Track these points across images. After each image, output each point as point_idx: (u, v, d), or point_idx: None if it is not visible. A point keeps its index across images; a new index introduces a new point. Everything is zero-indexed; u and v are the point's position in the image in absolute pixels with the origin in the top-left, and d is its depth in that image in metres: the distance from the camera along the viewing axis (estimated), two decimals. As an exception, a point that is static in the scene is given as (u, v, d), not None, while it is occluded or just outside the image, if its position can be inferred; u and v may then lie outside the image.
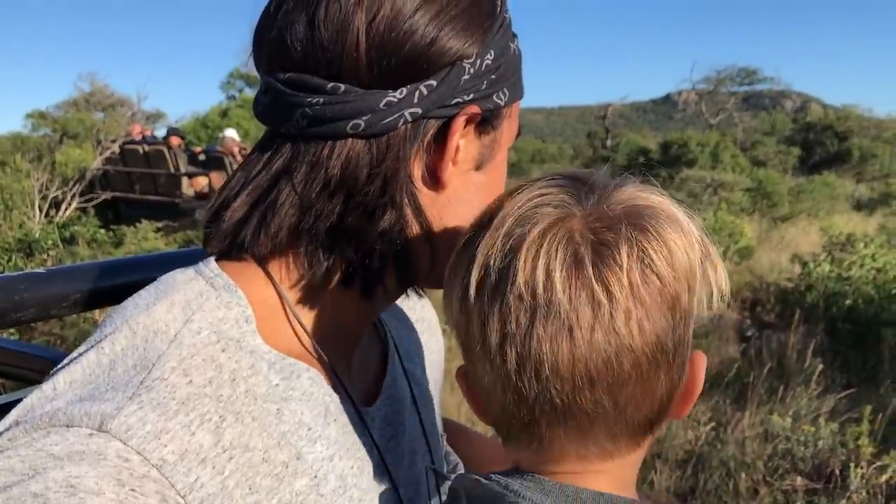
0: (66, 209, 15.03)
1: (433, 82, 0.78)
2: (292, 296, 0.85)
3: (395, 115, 0.78)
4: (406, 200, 0.82)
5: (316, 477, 0.79)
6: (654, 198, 0.71)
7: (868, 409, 4.60)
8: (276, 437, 0.77)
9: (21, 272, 1.05)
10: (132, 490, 0.65)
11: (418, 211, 0.83)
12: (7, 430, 0.69)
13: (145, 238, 11.23)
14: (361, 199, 0.80)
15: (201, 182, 14.38)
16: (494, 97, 0.82)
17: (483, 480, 0.74)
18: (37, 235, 9.95)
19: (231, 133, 16.15)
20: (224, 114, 25.79)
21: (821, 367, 5.72)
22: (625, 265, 0.64)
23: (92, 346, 0.77)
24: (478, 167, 0.85)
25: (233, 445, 0.73)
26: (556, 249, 0.65)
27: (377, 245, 0.81)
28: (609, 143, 38.11)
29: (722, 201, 15.21)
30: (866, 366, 6.60)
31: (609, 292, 0.64)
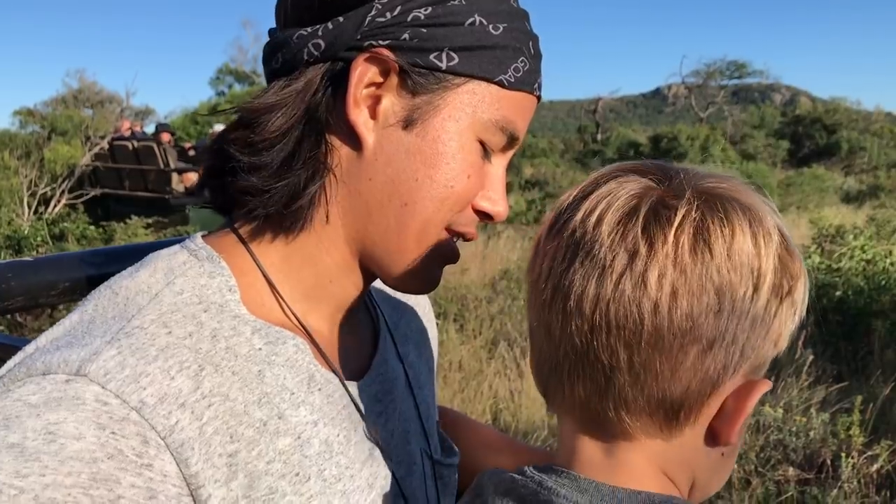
0: (55, 206, 14.95)
1: (340, 18, 0.80)
2: (273, 269, 0.85)
3: (301, 48, 0.81)
4: (323, 150, 0.82)
5: (300, 438, 0.79)
6: (750, 195, 0.69)
7: (859, 399, 4.62)
8: (256, 395, 0.77)
9: (8, 260, 1.04)
10: (113, 433, 0.65)
11: (338, 166, 0.83)
12: None
13: (135, 234, 11.17)
14: (283, 145, 0.81)
15: (191, 178, 14.31)
16: (432, 56, 0.80)
17: (516, 476, 0.73)
18: (25, 232, 9.90)
19: (220, 128, 16.06)
20: (213, 109, 25.69)
21: (811, 358, 5.74)
22: (675, 226, 0.63)
23: (76, 310, 0.78)
24: (406, 126, 0.82)
25: (212, 393, 0.73)
26: (619, 198, 0.66)
27: (285, 200, 0.82)
28: (599, 137, 38.18)
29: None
30: (857, 356, 6.63)
31: (651, 245, 0.63)
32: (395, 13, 0.79)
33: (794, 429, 4.62)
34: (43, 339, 0.74)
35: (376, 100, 0.82)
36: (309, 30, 0.81)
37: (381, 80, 0.81)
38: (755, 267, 0.64)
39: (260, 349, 0.79)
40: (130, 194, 15.40)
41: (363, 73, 0.80)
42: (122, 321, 0.74)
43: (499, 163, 0.89)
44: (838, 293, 7.53)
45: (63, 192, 15.35)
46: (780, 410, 4.85)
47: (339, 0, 0.81)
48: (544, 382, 0.73)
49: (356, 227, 0.84)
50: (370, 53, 0.80)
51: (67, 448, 0.63)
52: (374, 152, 0.82)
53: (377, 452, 0.89)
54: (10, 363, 0.72)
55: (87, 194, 15.70)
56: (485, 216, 0.89)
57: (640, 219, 0.64)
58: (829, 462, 4.35)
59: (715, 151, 24.77)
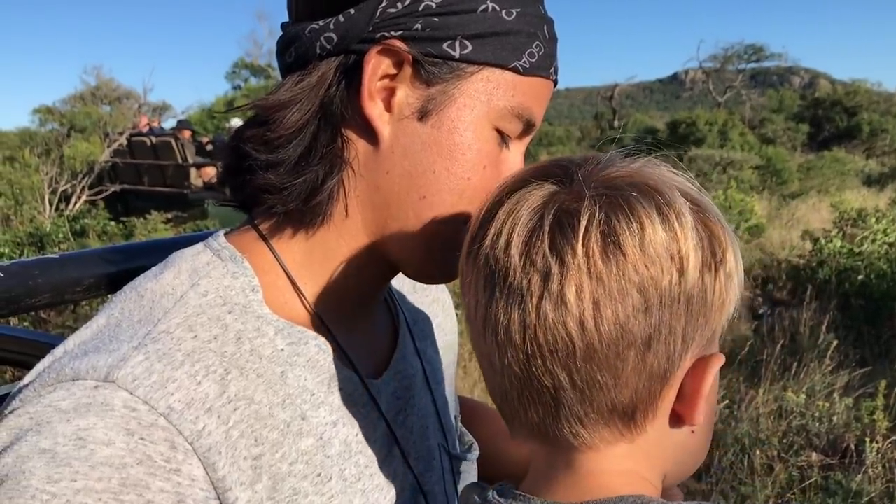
0: (75, 202, 15.09)
1: (352, 10, 0.79)
2: (295, 265, 0.85)
3: (313, 42, 0.80)
4: (339, 145, 0.82)
5: (321, 438, 0.80)
6: (653, 174, 0.66)
7: (883, 383, 4.59)
8: (280, 397, 0.78)
9: (34, 258, 1.05)
10: (141, 439, 0.66)
11: (356, 159, 0.82)
12: (20, 392, 0.70)
13: (155, 229, 11.27)
14: (299, 141, 0.81)
15: (209, 172, 14.39)
16: (445, 45, 0.79)
17: (476, 499, 0.74)
18: (47, 229, 10.00)
19: (237, 122, 16.14)
20: (230, 104, 25.79)
21: (834, 342, 5.70)
22: (581, 235, 0.61)
23: (102, 312, 0.79)
24: (421, 117, 0.81)
25: (237, 397, 0.74)
26: (522, 216, 0.65)
27: (304, 196, 0.81)
28: (616, 123, 37.94)
29: (731, 179, 15.14)
30: (880, 341, 6.57)
31: (562, 261, 0.61)
32: (407, 3, 0.79)
33: (816, 414, 4.60)
34: (71, 343, 0.75)
35: (391, 92, 0.81)
36: (321, 23, 0.80)
37: (394, 71, 0.80)
38: (674, 252, 0.62)
39: (282, 350, 0.80)
40: (149, 190, 15.53)
41: (376, 66, 0.80)
42: (149, 325, 0.75)
43: (516, 150, 0.87)
44: (860, 277, 7.47)
45: (83, 188, 15.49)
46: (803, 396, 4.82)
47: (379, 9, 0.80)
48: (500, 411, 0.73)
49: (376, 220, 0.84)
50: (383, 45, 0.79)
51: (97, 454, 0.64)
52: (390, 145, 0.82)
53: (396, 450, 0.89)
54: (39, 366, 0.73)
55: (106, 190, 15.83)
56: None
57: (546, 234, 0.63)
58: (853, 447, 4.32)
59: (733, 136, 24.56)
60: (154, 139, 15.61)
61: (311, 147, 0.81)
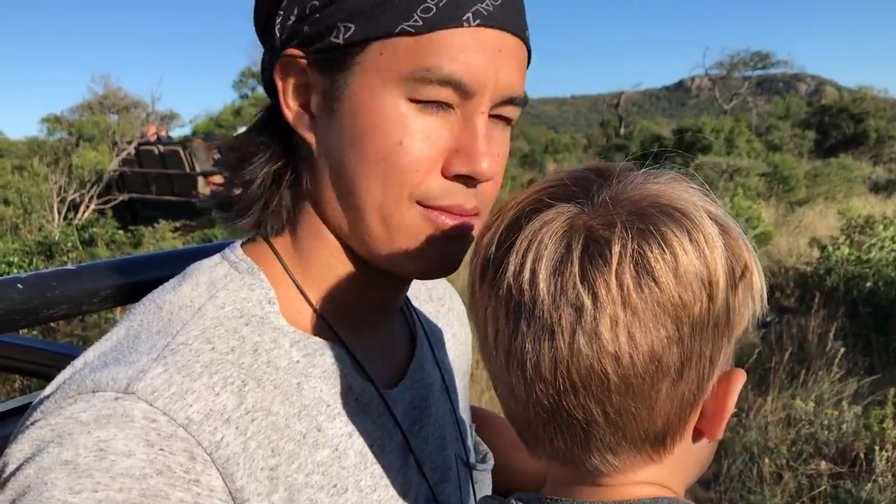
0: (84, 211, 15.14)
1: (276, 32, 0.83)
2: (301, 276, 0.86)
3: (264, 70, 0.86)
4: (283, 160, 0.86)
5: (337, 449, 0.81)
6: (678, 195, 0.64)
7: (892, 391, 4.56)
8: (296, 408, 0.79)
9: (52, 269, 1.06)
10: (161, 450, 0.67)
11: (307, 170, 0.85)
12: (41, 403, 0.71)
13: (163, 238, 11.30)
14: (256, 160, 0.86)
15: (217, 181, 14.41)
16: (331, 37, 0.78)
17: None
18: (56, 238, 10.04)
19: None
20: (237, 112, 25.90)
21: (842, 350, 5.68)
22: (614, 266, 0.59)
23: (121, 323, 0.80)
24: (329, 112, 0.81)
25: (255, 408, 0.75)
26: (547, 245, 0.62)
27: (272, 220, 0.86)
28: (622, 131, 37.91)
29: (738, 187, 15.10)
30: (889, 348, 6.54)
31: (594, 295, 0.59)
32: (296, 11, 0.80)
33: (825, 422, 4.58)
34: (91, 354, 0.76)
35: (307, 99, 0.82)
36: (265, 51, 0.85)
37: (303, 79, 0.82)
38: (705, 277, 0.61)
39: (298, 361, 0.81)
40: (157, 198, 15.57)
41: (283, 80, 0.82)
42: (168, 337, 0.76)
43: (477, 117, 0.79)
44: (868, 284, 7.44)
45: (91, 197, 15.55)
46: (812, 404, 4.81)
47: (264, 17, 0.84)
48: (520, 434, 0.71)
49: (341, 227, 0.84)
50: (281, 59, 0.81)
51: (118, 465, 0.65)
52: (318, 149, 0.82)
53: (411, 460, 0.90)
54: (59, 378, 0.74)
55: (115, 199, 15.88)
56: (467, 180, 0.80)
57: (576, 265, 0.60)
58: (862, 455, 4.30)
59: (740, 143, 24.52)
60: (162, 148, 15.67)
61: (261, 166, 0.85)
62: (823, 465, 4.34)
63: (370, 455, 0.84)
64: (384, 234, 0.81)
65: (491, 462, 1.08)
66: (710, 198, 0.67)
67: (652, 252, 0.60)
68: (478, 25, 0.77)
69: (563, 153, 30.27)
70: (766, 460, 4.36)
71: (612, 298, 0.59)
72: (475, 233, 0.84)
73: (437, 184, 0.79)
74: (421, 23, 0.76)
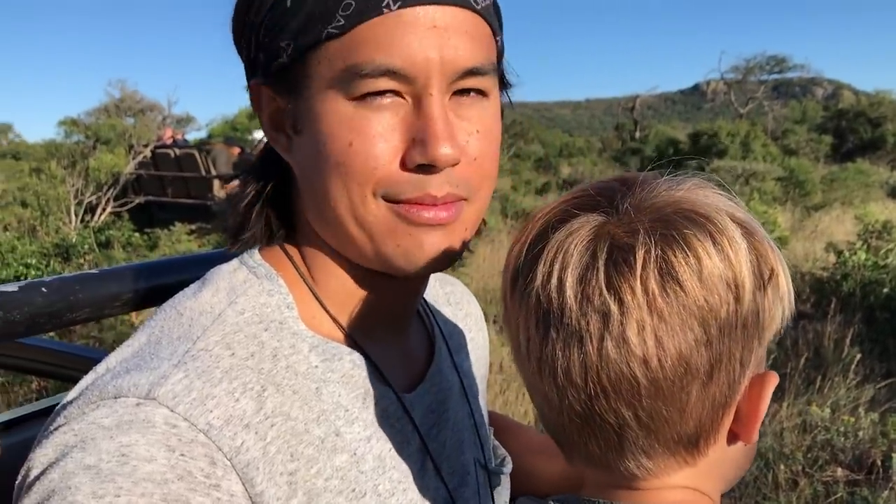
0: (100, 214, 15.25)
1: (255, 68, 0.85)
2: (316, 282, 0.88)
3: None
4: (272, 181, 0.89)
5: (355, 454, 0.81)
6: (701, 200, 0.66)
7: (910, 398, 4.53)
8: (315, 413, 0.79)
9: (75, 273, 1.08)
10: (182, 455, 0.68)
11: (300, 191, 0.87)
12: (64, 408, 0.73)
13: (178, 240, 11.35)
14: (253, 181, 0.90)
15: (233, 184, 14.47)
16: (278, 60, 0.80)
17: None
18: (73, 240, 10.11)
19: (260, 134, 16.21)
20: (252, 116, 25.94)
21: (859, 356, 5.64)
22: (639, 272, 0.61)
23: (142, 329, 0.81)
24: (296, 130, 0.82)
25: (274, 413, 0.76)
26: (573, 254, 0.63)
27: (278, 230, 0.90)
28: (638, 134, 37.80)
29: (754, 191, 15.02)
30: (906, 354, 6.49)
31: (620, 301, 0.61)
32: (252, 42, 0.83)
33: (841, 429, 4.54)
34: (112, 360, 0.77)
35: (282, 123, 0.84)
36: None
37: (272, 105, 0.84)
38: (730, 279, 0.62)
39: (317, 366, 0.82)
40: (173, 201, 15.65)
41: (258, 110, 0.86)
42: (188, 343, 0.77)
43: (428, 101, 0.77)
44: (886, 290, 7.38)
45: (108, 200, 15.65)
46: (828, 410, 4.77)
47: (243, 55, 0.87)
48: (556, 440, 0.73)
49: (329, 237, 0.85)
50: (250, 90, 0.85)
51: (140, 470, 0.66)
52: (296, 168, 0.85)
53: (429, 464, 0.90)
54: (82, 383, 0.75)
55: (131, 202, 15.98)
56: (430, 168, 0.78)
57: (601, 272, 0.62)
58: (879, 463, 4.27)
59: (756, 147, 24.39)
60: (178, 151, 15.75)
61: (251, 186, 0.89)
62: (840, 472, 4.31)
63: (388, 459, 0.85)
64: (362, 236, 0.81)
65: (509, 466, 1.08)
66: (735, 202, 0.68)
67: (676, 257, 0.61)
68: (400, 7, 0.76)
69: (578, 157, 30.21)
70: (782, 467, 4.34)
71: (637, 304, 0.61)
72: (465, 219, 0.84)
73: (399, 178, 0.79)
74: (343, 21, 0.76)
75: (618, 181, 0.70)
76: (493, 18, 0.83)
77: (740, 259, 0.63)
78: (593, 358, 0.62)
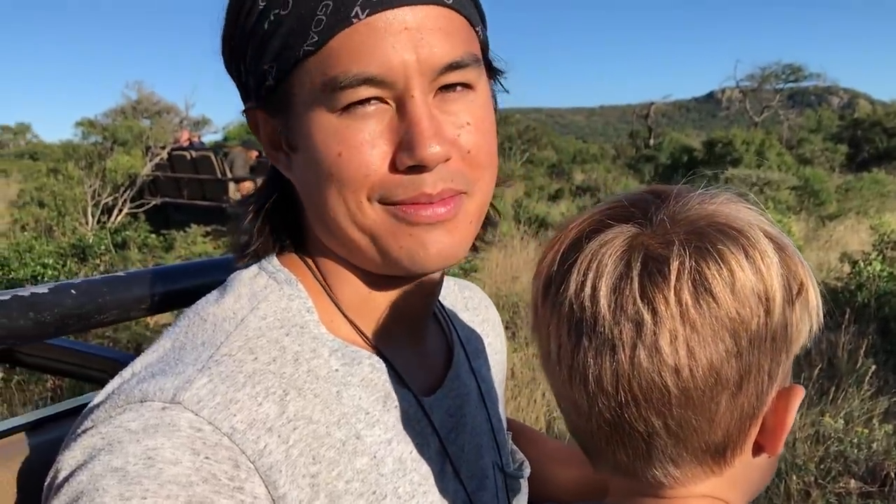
0: (117, 215, 15.32)
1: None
2: (332, 288, 0.90)
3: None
4: (276, 197, 0.92)
5: (375, 457, 0.83)
6: (734, 214, 0.67)
7: (924, 410, 4.50)
8: (336, 416, 0.81)
9: (102, 276, 1.10)
10: (206, 458, 0.70)
11: (303, 205, 0.89)
12: (91, 412, 0.75)
13: (194, 242, 11.40)
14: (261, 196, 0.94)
15: (248, 187, 14.54)
16: (266, 82, 0.83)
17: None
18: (90, 241, 10.17)
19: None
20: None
21: (873, 367, 5.60)
22: (673, 283, 0.62)
23: (166, 335, 0.84)
24: (292, 148, 0.85)
25: (297, 417, 0.78)
26: (607, 263, 0.65)
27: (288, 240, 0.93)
28: (652, 142, 37.67)
29: (768, 200, 14.95)
30: (921, 366, 6.44)
31: (654, 310, 0.62)
32: (242, 68, 0.85)
33: (855, 440, 4.52)
34: (138, 365, 0.79)
35: (280, 143, 0.87)
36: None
37: (267, 127, 0.87)
38: (761, 292, 0.64)
39: (337, 370, 0.84)
40: (189, 203, 15.71)
41: (257, 133, 0.89)
42: (212, 348, 0.79)
43: (410, 103, 0.79)
44: (901, 301, 7.33)
45: (125, 201, 15.72)
46: (841, 421, 4.75)
47: (236, 82, 0.89)
48: (583, 448, 0.74)
49: (335, 246, 0.88)
50: (246, 115, 0.88)
51: (165, 472, 0.68)
52: (297, 185, 0.88)
53: (448, 467, 0.92)
54: (108, 388, 0.77)
55: (147, 203, 16.06)
56: (418, 169, 0.79)
57: (635, 282, 0.63)
58: (893, 475, 4.24)
59: (771, 156, 24.27)
60: (194, 153, 15.82)
61: (256, 202, 0.93)
62: (853, 483, 4.28)
63: (409, 462, 0.86)
64: (365, 241, 0.83)
65: (527, 470, 1.09)
66: (766, 217, 0.69)
67: (709, 269, 0.62)
68: (369, 15, 0.77)
69: (592, 163, 30.12)
70: (794, 477, 4.32)
71: (671, 314, 0.62)
72: (467, 213, 0.85)
73: (391, 181, 0.80)
74: (317, 38, 0.77)
75: (651, 193, 0.71)
76: (470, 10, 0.84)
77: (772, 273, 0.64)
78: (625, 366, 0.63)
